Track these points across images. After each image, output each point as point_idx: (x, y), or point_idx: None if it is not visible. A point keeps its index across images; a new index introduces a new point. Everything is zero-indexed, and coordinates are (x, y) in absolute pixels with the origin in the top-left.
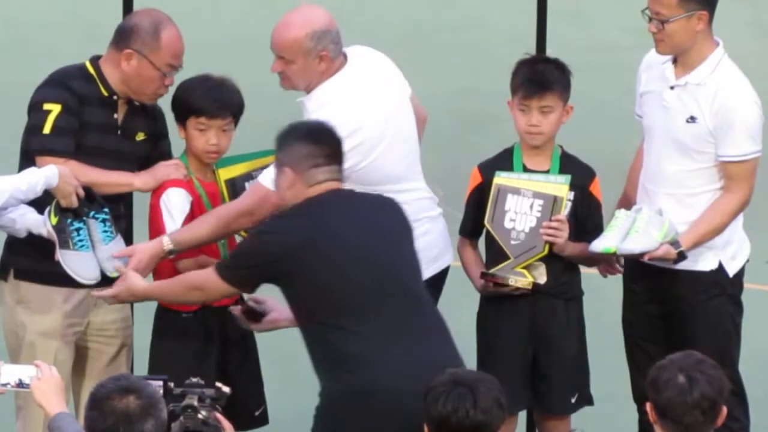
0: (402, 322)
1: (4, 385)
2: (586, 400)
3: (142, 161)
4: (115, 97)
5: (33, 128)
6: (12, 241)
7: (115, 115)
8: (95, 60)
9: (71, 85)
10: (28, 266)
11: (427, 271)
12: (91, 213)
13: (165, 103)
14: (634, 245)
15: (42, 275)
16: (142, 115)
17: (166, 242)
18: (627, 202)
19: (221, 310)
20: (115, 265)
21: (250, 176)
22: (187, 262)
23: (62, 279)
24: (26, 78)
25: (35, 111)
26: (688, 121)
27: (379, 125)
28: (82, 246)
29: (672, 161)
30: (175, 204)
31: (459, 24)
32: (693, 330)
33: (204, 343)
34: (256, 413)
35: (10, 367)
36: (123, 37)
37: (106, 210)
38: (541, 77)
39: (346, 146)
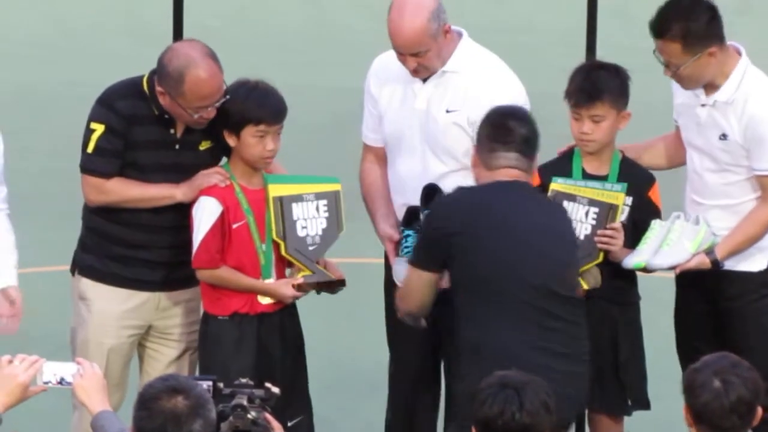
0: (543, 330)
1: (46, 382)
2: (643, 404)
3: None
4: (166, 116)
5: (82, 145)
6: (83, 238)
7: (172, 131)
8: (153, 76)
9: (117, 106)
10: (91, 264)
11: None
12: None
13: None
14: (663, 260)
15: (102, 274)
16: (208, 124)
17: None
18: (633, 150)
19: (258, 317)
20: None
21: (300, 198)
22: (205, 273)
23: (123, 280)
24: (76, 77)
25: (86, 127)
26: (720, 138)
27: None
28: (407, 252)
29: (713, 175)
30: (204, 211)
31: (508, 25)
32: (743, 330)
33: (236, 348)
34: (289, 423)
35: (52, 365)
36: (158, 72)
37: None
38: (591, 87)
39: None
